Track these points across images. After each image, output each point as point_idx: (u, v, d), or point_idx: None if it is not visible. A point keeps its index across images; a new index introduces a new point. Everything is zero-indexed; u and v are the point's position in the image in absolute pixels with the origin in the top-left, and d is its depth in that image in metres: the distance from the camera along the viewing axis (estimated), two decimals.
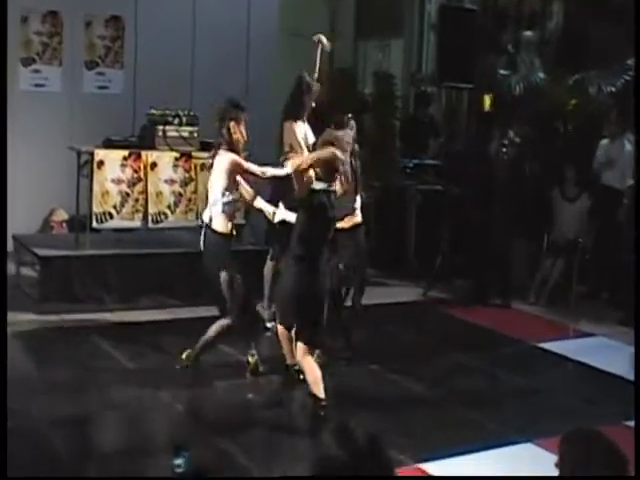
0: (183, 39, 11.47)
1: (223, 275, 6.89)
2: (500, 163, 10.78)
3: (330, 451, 2.45)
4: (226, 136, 7.04)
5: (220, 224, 6.95)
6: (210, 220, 6.97)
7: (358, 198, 7.73)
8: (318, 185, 6.38)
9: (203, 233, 7.02)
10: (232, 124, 7.04)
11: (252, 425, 6.53)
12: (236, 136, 7.05)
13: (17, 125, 10.66)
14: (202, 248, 7.02)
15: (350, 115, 7.71)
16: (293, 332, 6.59)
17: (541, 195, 10.73)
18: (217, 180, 7.00)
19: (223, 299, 6.97)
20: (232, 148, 7.02)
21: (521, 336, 8.96)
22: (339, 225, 7.36)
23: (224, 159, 6.98)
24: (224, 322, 7.01)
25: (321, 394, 6.29)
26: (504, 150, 10.57)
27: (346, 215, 7.55)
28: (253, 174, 7.15)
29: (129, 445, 6.29)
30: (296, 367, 6.70)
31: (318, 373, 6.39)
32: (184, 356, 7.04)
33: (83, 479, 5.49)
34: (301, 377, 6.60)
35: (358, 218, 7.74)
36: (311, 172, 6.35)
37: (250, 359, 7.26)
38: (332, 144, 6.49)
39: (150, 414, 6.79)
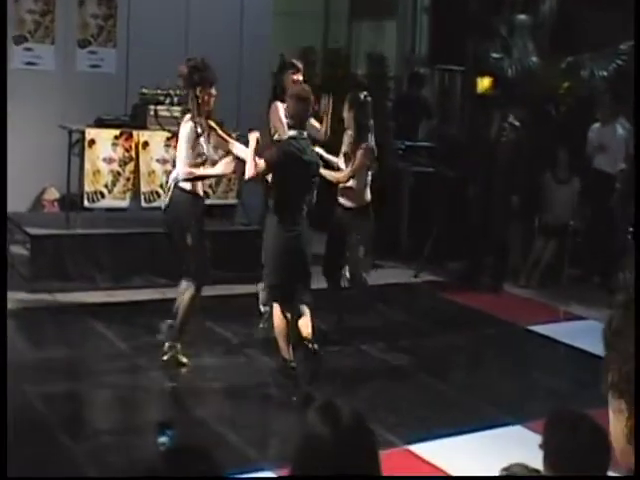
0: (176, 18, 11.41)
1: (189, 236, 6.80)
2: (493, 145, 10.80)
3: (314, 428, 2.45)
4: (190, 104, 6.89)
5: (187, 183, 6.85)
6: (176, 180, 6.87)
7: (369, 175, 7.72)
8: (290, 132, 6.47)
9: (170, 192, 6.90)
10: (198, 89, 6.86)
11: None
12: (202, 103, 6.85)
13: (9, 103, 10.63)
14: (167, 206, 6.94)
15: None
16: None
17: (533, 177, 10.75)
18: (179, 150, 6.93)
19: (185, 261, 6.92)
20: (195, 116, 6.83)
21: (512, 318, 8.99)
22: (349, 204, 7.43)
23: (182, 129, 6.91)
24: (188, 294, 6.89)
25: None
26: (497, 132, 10.58)
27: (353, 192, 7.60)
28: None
29: (120, 423, 6.32)
30: (292, 364, 6.67)
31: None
32: (165, 358, 6.95)
33: (83, 479, 5.50)
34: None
35: (367, 196, 7.75)
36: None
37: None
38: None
39: (139, 393, 6.82)
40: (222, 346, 7.61)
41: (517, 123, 10.60)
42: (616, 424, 1.81)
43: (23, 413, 6.04)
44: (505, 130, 10.60)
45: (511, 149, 10.73)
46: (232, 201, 9.93)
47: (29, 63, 10.86)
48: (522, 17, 11.80)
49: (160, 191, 9.39)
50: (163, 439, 4.26)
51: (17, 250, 9.53)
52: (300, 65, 8.19)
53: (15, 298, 8.50)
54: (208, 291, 7.20)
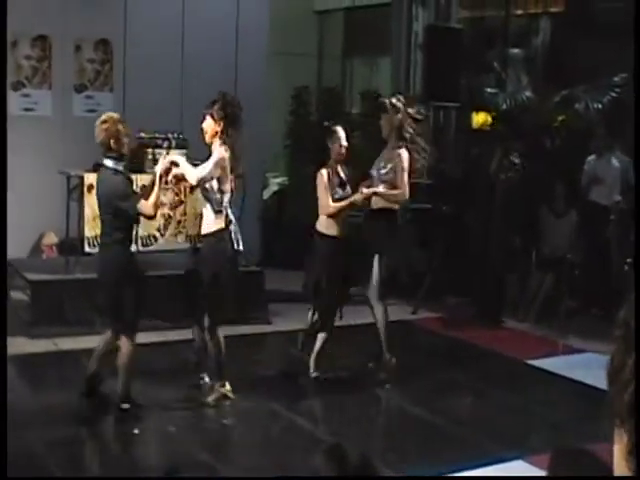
0: (172, 62, 11.52)
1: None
2: (489, 181, 10.85)
3: (320, 468, 2.48)
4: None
5: None
6: None
7: None
8: None
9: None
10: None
11: None
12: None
13: (7, 149, 10.70)
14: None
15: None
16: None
17: (529, 211, 10.79)
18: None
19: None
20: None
21: (511, 353, 9.00)
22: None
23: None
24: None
25: None
26: (497, 168, 10.63)
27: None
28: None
29: (122, 468, 6.31)
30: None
31: None
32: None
33: (83, 479, 5.51)
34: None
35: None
36: None
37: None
38: None
39: (143, 437, 6.82)
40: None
41: (517, 160, 10.66)
42: (618, 454, 1.85)
43: (26, 460, 6.05)
44: (501, 164, 10.66)
45: (507, 183, 10.79)
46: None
47: (27, 109, 10.94)
48: (515, 51, 11.91)
49: (157, 235, 9.43)
50: None
51: (17, 295, 9.55)
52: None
53: (15, 343, 8.53)
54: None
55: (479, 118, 12.33)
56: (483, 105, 11.82)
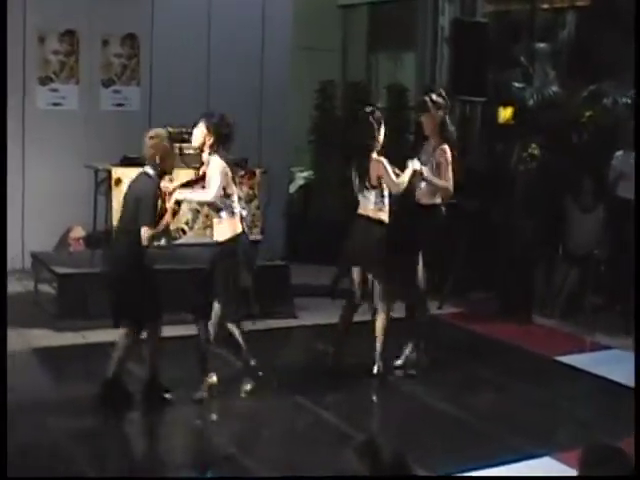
0: (198, 56, 11.55)
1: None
2: (516, 175, 10.82)
3: (352, 466, 2.49)
4: None
5: None
6: None
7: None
8: None
9: None
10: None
11: None
12: None
13: (36, 143, 10.79)
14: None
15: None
16: None
17: (557, 206, 10.74)
18: None
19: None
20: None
21: (538, 349, 8.97)
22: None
23: None
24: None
25: None
26: (518, 162, 10.59)
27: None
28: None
29: (151, 461, 6.35)
30: None
31: None
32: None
33: (83, 479, 5.53)
34: None
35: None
36: None
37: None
38: None
39: (171, 429, 6.85)
40: None
41: (536, 151, 10.62)
42: None
43: (51, 452, 6.10)
44: (526, 159, 10.62)
45: (533, 178, 10.75)
46: (256, 237, 9.97)
47: (55, 104, 11.00)
48: (542, 45, 11.85)
49: (185, 228, 9.46)
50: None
51: (44, 289, 9.61)
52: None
53: (42, 336, 8.59)
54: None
55: (505, 113, 12.29)
56: (509, 100, 11.78)
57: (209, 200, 7.02)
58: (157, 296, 6.90)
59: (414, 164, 7.59)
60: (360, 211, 7.60)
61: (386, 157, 7.60)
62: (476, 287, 10.66)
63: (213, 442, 6.59)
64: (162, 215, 6.80)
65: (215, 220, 7.10)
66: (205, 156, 7.10)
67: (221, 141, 7.04)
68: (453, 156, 7.83)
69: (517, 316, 10.04)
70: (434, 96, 7.95)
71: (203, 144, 7.07)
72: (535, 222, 10.53)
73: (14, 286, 10.20)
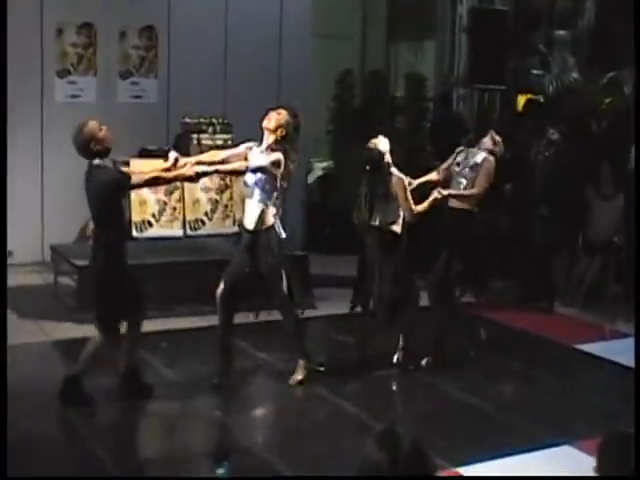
0: (215, 47, 11.55)
1: None
2: (535, 163, 10.76)
3: (372, 455, 2.47)
4: None
5: None
6: None
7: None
8: None
9: None
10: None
11: None
12: None
13: (54, 136, 10.81)
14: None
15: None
16: None
17: (577, 194, 10.67)
18: None
19: None
20: None
21: (558, 337, 8.94)
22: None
23: None
24: None
25: None
26: (540, 150, 10.53)
27: None
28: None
29: (169, 454, 6.35)
30: None
31: None
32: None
33: (83, 479, 5.54)
34: None
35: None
36: None
37: None
38: None
39: (189, 422, 6.85)
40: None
41: (555, 137, 10.56)
42: None
43: (69, 441, 6.11)
44: (548, 147, 10.56)
45: (553, 165, 10.69)
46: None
47: (73, 96, 11.02)
48: (561, 32, 11.77)
49: (205, 219, 9.46)
50: (220, 471, 4.26)
51: (63, 281, 9.64)
52: None
53: (61, 328, 8.61)
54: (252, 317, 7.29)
55: (524, 100, 12.22)
56: (528, 87, 11.72)
57: (263, 165, 6.87)
58: (137, 291, 6.82)
59: (435, 193, 7.58)
60: (373, 223, 7.55)
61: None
62: (497, 276, 10.60)
63: (229, 433, 6.58)
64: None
65: (252, 205, 7.01)
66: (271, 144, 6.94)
67: (288, 140, 6.96)
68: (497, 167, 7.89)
69: (537, 305, 10.02)
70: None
71: (275, 133, 6.92)
72: (555, 210, 10.47)
73: (34, 279, 10.26)
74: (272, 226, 7.00)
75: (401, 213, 7.48)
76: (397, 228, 7.50)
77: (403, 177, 7.46)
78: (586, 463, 3.23)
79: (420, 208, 7.47)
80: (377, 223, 7.50)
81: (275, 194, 6.96)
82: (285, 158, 6.90)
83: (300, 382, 7.24)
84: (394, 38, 14.78)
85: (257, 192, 6.90)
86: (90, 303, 8.83)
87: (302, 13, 12.16)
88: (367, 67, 14.45)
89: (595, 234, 10.39)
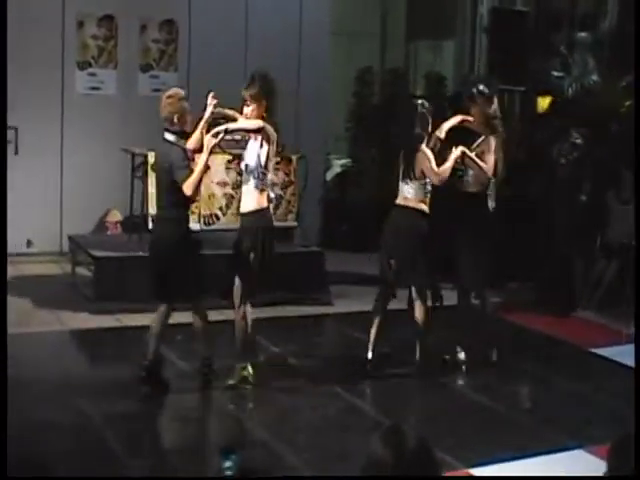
0: (235, 42, 11.56)
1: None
2: (554, 165, 10.72)
3: (377, 452, 2.48)
4: None
5: None
6: None
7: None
8: None
9: None
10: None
11: None
12: None
13: (73, 127, 10.87)
14: None
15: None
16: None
17: (596, 198, 10.64)
18: None
19: None
20: None
21: (574, 341, 8.92)
22: None
23: None
24: None
25: None
26: (558, 152, 10.50)
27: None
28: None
29: (182, 445, 6.38)
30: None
31: None
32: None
33: (83, 479, 5.57)
34: None
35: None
36: None
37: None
38: None
39: (203, 416, 6.88)
40: None
41: (579, 140, 10.52)
42: None
43: (84, 434, 6.15)
44: (567, 149, 10.52)
45: (573, 168, 10.65)
46: (292, 223, 9.97)
47: (93, 88, 11.06)
48: (582, 34, 11.72)
49: (219, 214, 9.48)
50: (228, 464, 4.27)
51: (81, 271, 9.69)
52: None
53: (78, 318, 8.66)
54: (269, 312, 7.29)
55: (544, 102, 12.18)
56: (548, 89, 11.68)
57: (254, 127, 6.90)
58: (198, 276, 6.88)
59: (456, 151, 7.52)
60: (399, 201, 7.52)
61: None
62: (513, 278, 10.59)
63: (246, 428, 6.60)
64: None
65: (245, 189, 7.01)
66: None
67: (270, 100, 6.98)
68: (499, 146, 7.81)
69: (555, 307, 9.99)
70: (481, 87, 7.88)
71: (261, 118, 6.94)
72: (573, 212, 10.44)
73: (52, 269, 10.32)
74: (266, 208, 6.99)
75: (428, 193, 7.45)
76: (425, 207, 7.47)
77: (426, 150, 7.39)
78: (599, 467, 3.23)
79: (442, 169, 7.38)
80: (402, 201, 7.49)
81: (268, 177, 6.97)
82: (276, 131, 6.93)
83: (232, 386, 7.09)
84: (414, 37, 14.76)
85: (252, 179, 6.91)
86: (107, 293, 8.97)
87: (322, 10, 12.15)
88: (387, 65, 14.44)
89: (613, 237, 10.36)
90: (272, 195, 7.23)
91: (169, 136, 6.76)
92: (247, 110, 6.99)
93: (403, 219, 7.45)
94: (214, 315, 7.48)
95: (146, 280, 8.39)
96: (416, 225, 7.41)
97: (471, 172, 7.76)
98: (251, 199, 6.93)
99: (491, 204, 7.84)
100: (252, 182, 6.90)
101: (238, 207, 9.41)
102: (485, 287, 8.05)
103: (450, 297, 7.90)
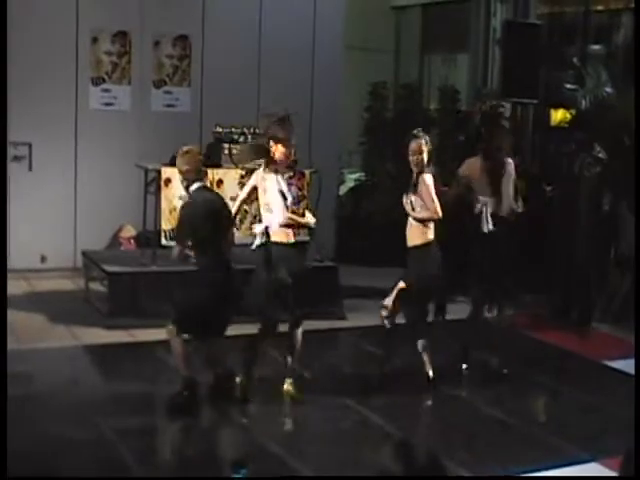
0: (249, 57, 11.60)
1: None
2: (569, 178, 10.70)
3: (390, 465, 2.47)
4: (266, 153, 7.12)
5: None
6: None
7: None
8: None
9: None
10: (271, 142, 7.06)
11: None
12: (275, 156, 7.04)
13: (87, 143, 10.91)
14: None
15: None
16: None
17: (610, 209, 10.61)
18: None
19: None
20: (269, 166, 7.06)
21: (588, 353, 8.88)
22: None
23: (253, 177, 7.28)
24: None
25: None
26: (580, 166, 10.48)
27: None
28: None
29: (191, 456, 6.37)
30: None
31: None
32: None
33: (82, 479, 5.57)
34: None
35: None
36: None
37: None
38: None
39: (213, 429, 6.87)
40: None
41: (602, 155, 10.50)
42: None
43: (99, 448, 6.14)
44: (592, 164, 10.50)
45: (587, 181, 10.63)
46: (305, 238, 9.95)
47: (107, 104, 11.11)
48: (595, 47, 11.73)
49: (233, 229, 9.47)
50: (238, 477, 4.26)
51: (94, 287, 9.70)
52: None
53: (91, 333, 8.67)
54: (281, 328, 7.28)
55: (557, 115, 12.18)
56: (561, 102, 11.67)
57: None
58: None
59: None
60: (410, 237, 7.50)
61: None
62: (527, 289, 10.55)
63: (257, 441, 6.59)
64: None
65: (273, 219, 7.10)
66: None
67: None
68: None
69: (569, 320, 9.96)
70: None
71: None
72: (589, 225, 10.41)
73: (66, 284, 10.34)
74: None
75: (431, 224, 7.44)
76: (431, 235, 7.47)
77: (426, 180, 7.33)
78: None
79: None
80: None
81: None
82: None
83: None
84: (429, 51, 14.79)
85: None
86: (120, 309, 8.98)
87: (335, 24, 12.18)
88: (401, 80, 14.46)
89: (627, 249, 10.32)
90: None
91: (199, 184, 6.98)
92: (282, 150, 6.99)
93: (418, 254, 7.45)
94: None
95: (160, 295, 8.43)
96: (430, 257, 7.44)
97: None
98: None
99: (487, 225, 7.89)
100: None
101: (252, 222, 9.51)
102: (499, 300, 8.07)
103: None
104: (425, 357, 7.47)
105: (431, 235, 7.39)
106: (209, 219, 6.84)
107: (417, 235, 7.37)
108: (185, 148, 7.09)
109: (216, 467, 6.13)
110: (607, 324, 10.00)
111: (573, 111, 11.30)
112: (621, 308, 10.14)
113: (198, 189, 6.94)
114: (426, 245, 7.38)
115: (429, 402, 7.60)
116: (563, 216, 10.76)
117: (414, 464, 6.41)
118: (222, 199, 7.21)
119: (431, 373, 7.48)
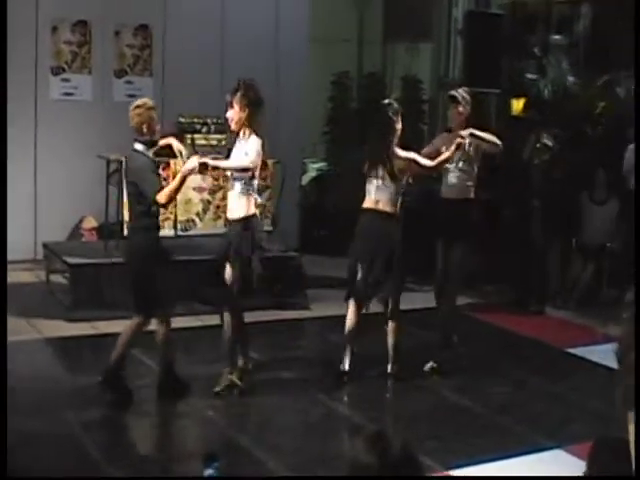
0: (211, 47, 11.53)
1: None
2: (529, 167, 10.75)
3: (359, 456, 2.46)
4: None
5: None
6: None
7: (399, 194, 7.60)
8: None
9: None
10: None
11: None
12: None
13: (48, 133, 10.80)
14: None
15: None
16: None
17: (570, 199, 10.69)
18: None
19: None
20: None
21: (550, 341, 8.94)
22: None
23: None
24: None
25: None
26: (531, 153, 10.54)
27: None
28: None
29: (160, 451, 6.34)
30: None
31: None
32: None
33: (82, 479, 5.54)
34: None
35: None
36: None
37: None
38: None
39: (180, 422, 6.84)
40: None
41: (550, 143, 10.57)
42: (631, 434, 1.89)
43: (66, 442, 6.10)
44: (542, 151, 10.56)
45: (546, 170, 10.69)
46: (268, 228, 9.93)
47: (67, 94, 11.01)
48: (557, 37, 11.78)
49: (196, 219, 9.44)
50: (209, 471, 4.23)
51: (56, 279, 9.62)
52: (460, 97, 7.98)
53: (54, 326, 8.60)
54: (246, 317, 7.24)
55: (518, 104, 12.22)
56: (523, 91, 11.72)
57: (246, 165, 6.78)
58: (169, 285, 6.84)
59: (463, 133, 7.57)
60: (368, 205, 7.48)
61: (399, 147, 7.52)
62: (489, 279, 10.61)
63: (226, 435, 6.57)
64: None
65: (231, 196, 6.95)
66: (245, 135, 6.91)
67: (254, 109, 6.92)
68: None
69: (529, 307, 10.04)
70: (462, 91, 7.94)
71: (241, 123, 6.90)
72: (548, 214, 10.48)
73: (26, 276, 10.24)
74: (253, 215, 6.94)
75: (400, 197, 7.43)
76: (396, 210, 7.43)
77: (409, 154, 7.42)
78: (577, 467, 3.22)
79: (443, 157, 7.46)
80: (372, 205, 7.46)
81: (255, 183, 6.91)
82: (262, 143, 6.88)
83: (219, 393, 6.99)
84: (391, 41, 14.77)
85: (237, 184, 6.85)
86: (83, 301, 8.91)
87: (299, 15, 12.13)
88: (364, 69, 14.45)
89: (588, 238, 10.40)
90: (259, 200, 7.18)
91: (138, 146, 6.75)
92: (229, 114, 6.93)
93: (374, 223, 7.41)
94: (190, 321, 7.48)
95: (122, 287, 8.37)
96: (388, 228, 7.37)
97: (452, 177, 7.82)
98: (239, 205, 6.86)
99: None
100: (238, 187, 6.84)
101: (215, 212, 9.47)
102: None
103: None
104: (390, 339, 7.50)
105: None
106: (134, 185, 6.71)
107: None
108: (138, 101, 6.97)
109: (182, 460, 6.12)
110: (569, 311, 10.08)
111: (534, 100, 11.36)
112: (582, 296, 10.23)
113: (133, 151, 6.77)
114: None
115: (394, 391, 7.61)
116: (516, 204, 10.82)
117: (380, 455, 6.39)
118: (141, 163, 6.76)
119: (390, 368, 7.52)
